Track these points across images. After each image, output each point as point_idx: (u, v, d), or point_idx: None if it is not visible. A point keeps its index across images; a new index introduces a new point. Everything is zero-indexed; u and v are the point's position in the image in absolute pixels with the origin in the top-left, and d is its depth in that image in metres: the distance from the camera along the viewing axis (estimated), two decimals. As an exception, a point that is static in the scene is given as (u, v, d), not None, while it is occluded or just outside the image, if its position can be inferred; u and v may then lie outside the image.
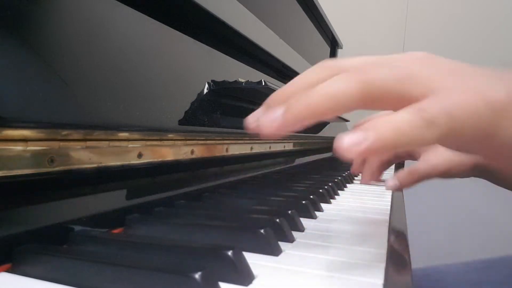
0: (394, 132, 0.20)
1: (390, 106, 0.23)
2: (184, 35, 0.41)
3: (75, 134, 0.26)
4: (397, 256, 0.27)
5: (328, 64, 0.26)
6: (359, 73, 0.22)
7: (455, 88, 0.21)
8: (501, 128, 0.21)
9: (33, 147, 0.23)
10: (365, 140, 0.20)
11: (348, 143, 0.20)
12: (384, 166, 0.66)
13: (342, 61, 0.26)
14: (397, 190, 0.53)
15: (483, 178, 0.52)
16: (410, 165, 0.57)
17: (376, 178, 0.65)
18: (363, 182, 0.67)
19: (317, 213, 0.39)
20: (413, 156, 0.62)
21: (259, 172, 0.61)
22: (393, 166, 0.83)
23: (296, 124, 0.22)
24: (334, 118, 1.02)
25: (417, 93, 0.21)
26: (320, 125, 1.01)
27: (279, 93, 0.26)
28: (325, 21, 1.20)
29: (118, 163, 0.29)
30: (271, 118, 0.23)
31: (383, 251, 0.27)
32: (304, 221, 0.34)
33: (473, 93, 0.21)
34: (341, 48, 1.52)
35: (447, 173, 0.52)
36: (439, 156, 0.53)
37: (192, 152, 0.40)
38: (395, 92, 0.22)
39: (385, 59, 0.25)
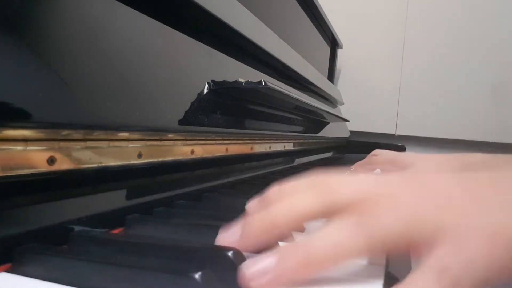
0: None
1: (395, 251, 0.21)
2: (184, 35, 0.41)
3: (75, 134, 0.26)
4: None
5: (321, 188, 0.23)
6: (365, 224, 0.20)
7: (469, 231, 0.19)
8: None
9: (33, 147, 0.23)
10: None
11: None
12: None
13: (334, 182, 0.23)
14: None
15: None
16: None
17: None
18: None
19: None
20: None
21: (259, 172, 0.61)
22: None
23: (292, 279, 0.20)
24: (334, 119, 1.02)
25: (427, 237, 0.20)
26: (320, 125, 1.01)
27: (261, 218, 0.23)
28: (325, 21, 1.20)
29: (118, 163, 0.29)
30: (261, 268, 0.20)
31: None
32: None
33: (496, 238, 0.19)
34: (341, 48, 1.52)
35: None
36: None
37: (192, 152, 0.40)
38: (404, 240, 0.20)
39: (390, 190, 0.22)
